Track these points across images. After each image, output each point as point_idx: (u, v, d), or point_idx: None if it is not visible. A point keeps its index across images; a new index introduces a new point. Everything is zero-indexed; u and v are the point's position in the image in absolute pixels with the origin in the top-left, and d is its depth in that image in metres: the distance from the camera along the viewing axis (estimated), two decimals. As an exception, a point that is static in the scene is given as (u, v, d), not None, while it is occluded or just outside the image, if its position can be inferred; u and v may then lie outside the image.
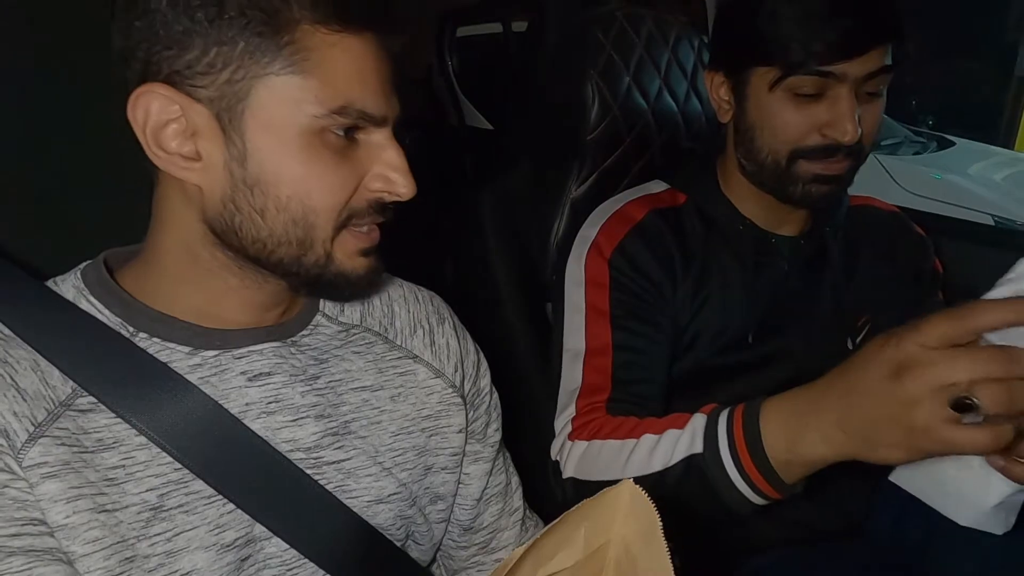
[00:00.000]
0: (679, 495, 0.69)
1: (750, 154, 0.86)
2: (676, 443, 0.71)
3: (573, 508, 0.41)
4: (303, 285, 0.58)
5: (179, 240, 0.56)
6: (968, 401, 0.48)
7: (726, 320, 0.90)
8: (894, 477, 0.68)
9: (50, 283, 0.58)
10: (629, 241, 0.89)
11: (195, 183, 0.53)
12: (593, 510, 0.42)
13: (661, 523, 0.39)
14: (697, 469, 0.68)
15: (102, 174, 0.62)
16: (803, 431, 0.60)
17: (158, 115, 0.50)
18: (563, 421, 0.86)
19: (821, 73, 0.77)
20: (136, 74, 0.51)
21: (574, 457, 0.80)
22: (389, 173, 0.55)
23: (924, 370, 0.50)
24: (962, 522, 0.65)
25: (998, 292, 0.55)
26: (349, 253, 0.56)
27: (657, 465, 0.71)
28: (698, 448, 0.68)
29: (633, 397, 0.84)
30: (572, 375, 0.87)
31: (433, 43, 2.07)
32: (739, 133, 0.87)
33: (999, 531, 0.64)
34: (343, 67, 0.51)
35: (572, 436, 0.83)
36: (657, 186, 0.97)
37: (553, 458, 0.85)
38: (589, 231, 0.92)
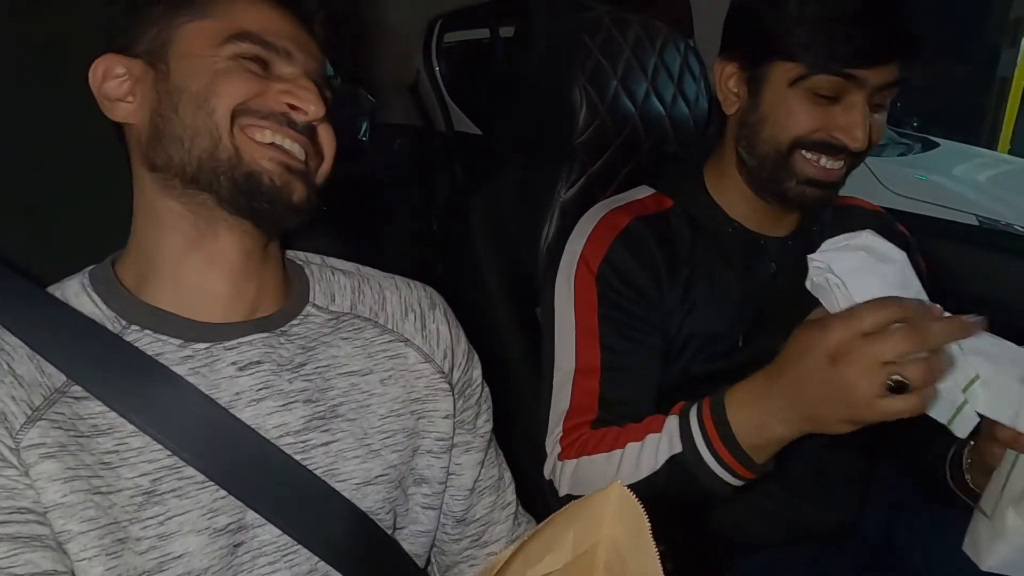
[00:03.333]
0: (667, 492, 0.75)
1: (752, 147, 0.86)
2: (657, 447, 0.76)
3: (561, 509, 0.41)
4: (226, 194, 0.59)
5: (141, 202, 0.62)
6: (901, 381, 0.58)
7: (716, 325, 0.90)
8: (988, 567, 0.68)
9: (57, 285, 0.61)
10: (614, 251, 0.88)
11: (133, 122, 0.61)
12: (581, 511, 0.42)
13: (650, 525, 0.39)
14: (680, 467, 0.74)
15: (100, 179, 0.64)
16: (765, 417, 0.69)
17: (112, 78, 0.61)
18: (552, 441, 0.87)
19: (844, 75, 0.78)
20: (102, 47, 0.62)
21: (567, 476, 0.82)
22: (295, 89, 0.61)
23: (856, 355, 0.59)
24: None
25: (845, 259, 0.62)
26: (258, 155, 0.60)
27: (645, 470, 0.76)
28: (677, 448, 0.74)
29: (618, 417, 0.85)
30: (561, 396, 0.88)
31: (420, 49, 2.07)
32: (745, 126, 0.86)
33: None
34: (243, 10, 0.61)
35: (562, 456, 0.85)
36: (643, 192, 0.97)
37: (547, 477, 0.87)
38: (576, 244, 0.91)
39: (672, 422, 0.77)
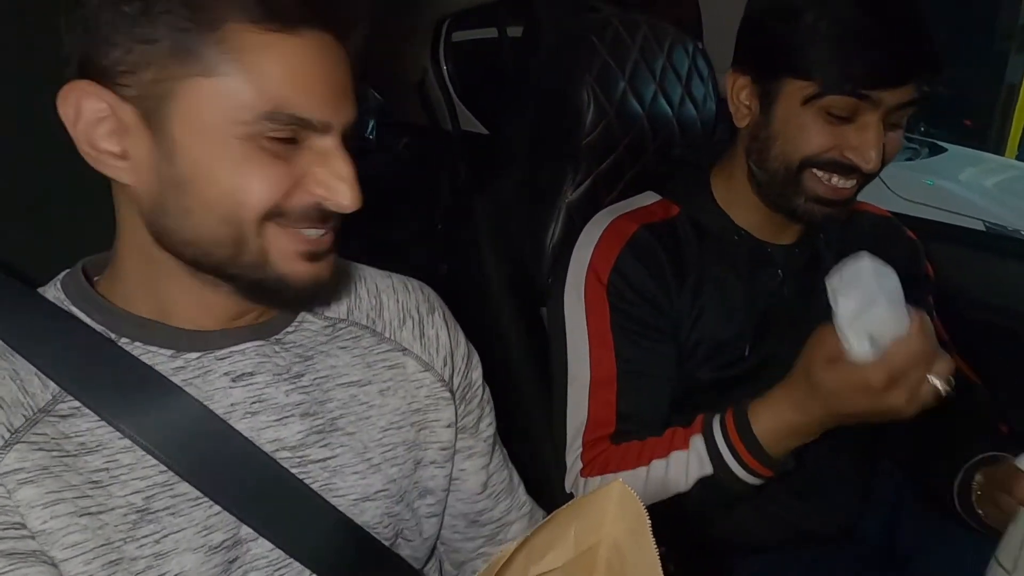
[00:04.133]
0: (696, 506, 0.81)
1: (763, 162, 0.84)
2: (686, 467, 0.80)
3: (564, 506, 0.42)
4: (246, 290, 0.55)
5: (133, 243, 0.55)
6: (948, 388, 0.67)
7: (724, 332, 0.90)
8: None
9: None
10: (623, 260, 0.88)
11: (127, 183, 0.52)
12: (583, 509, 0.42)
13: (650, 522, 0.39)
14: (713, 485, 0.79)
15: (89, 181, 0.62)
16: (795, 433, 0.75)
17: (88, 112, 0.50)
18: (573, 456, 0.88)
19: (859, 96, 0.75)
20: (72, 71, 0.50)
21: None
22: (332, 181, 0.52)
23: (904, 386, 0.67)
24: None
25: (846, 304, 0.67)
26: (286, 255, 0.53)
27: (673, 489, 0.80)
28: (708, 470, 0.78)
29: (636, 426, 0.86)
30: (578, 408, 0.88)
31: (428, 48, 2.07)
32: (756, 140, 0.85)
33: None
34: (275, 69, 0.48)
35: (584, 472, 0.86)
36: (649, 198, 0.96)
37: (568, 491, 0.88)
38: (583, 253, 0.91)
39: (698, 442, 0.79)
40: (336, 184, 0.52)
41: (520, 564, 0.41)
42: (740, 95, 0.86)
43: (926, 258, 1.03)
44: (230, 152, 0.49)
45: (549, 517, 0.42)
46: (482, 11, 2.08)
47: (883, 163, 0.80)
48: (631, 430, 0.86)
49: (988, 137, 6.12)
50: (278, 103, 0.48)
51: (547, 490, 0.94)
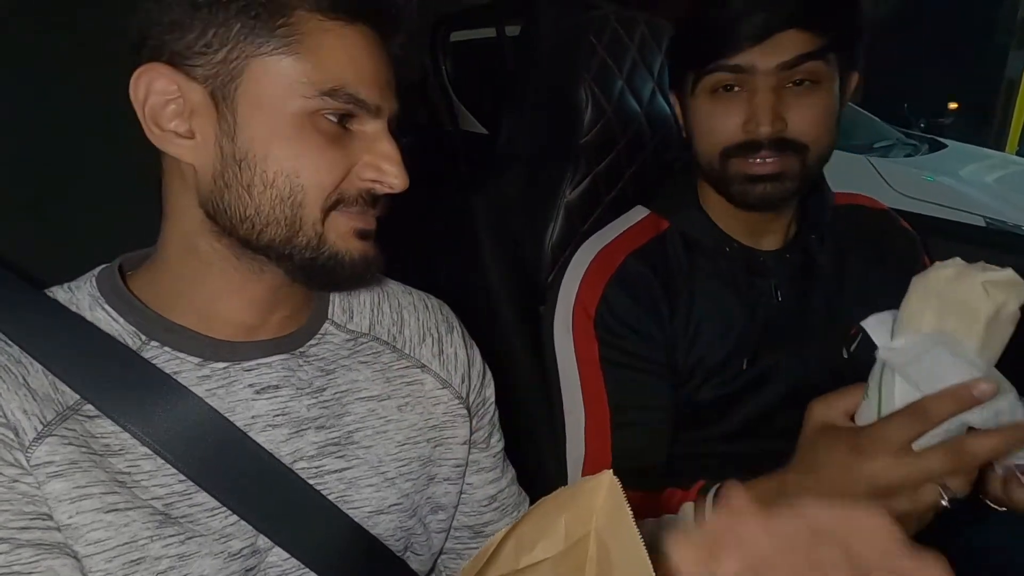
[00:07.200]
0: None
1: (696, 158, 0.88)
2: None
3: (552, 494, 0.42)
4: (298, 271, 0.57)
5: (181, 232, 0.57)
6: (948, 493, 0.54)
7: (721, 349, 0.88)
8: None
9: (63, 288, 0.58)
10: (611, 292, 0.87)
11: (189, 162, 0.54)
12: (572, 499, 0.41)
13: (632, 513, 0.39)
14: None
15: (102, 180, 0.62)
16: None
17: (158, 94, 0.52)
18: None
19: (731, 68, 0.77)
20: (143, 57, 0.53)
21: None
22: (382, 163, 0.56)
23: (903, 479, 0.53)
24: None
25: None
26: (342, 234, 0.56)
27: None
28: None
29: (633, 462, 0.86)
30: (576, 443, 0.88)
31: (427, 47, 2.07)
32: (690, 143, 0.89)
33: None
34: (336, 52, 0.53)
35: None
36: (638, 213, 0.95)
37: None
38: (570, 287, 0.90)
39: (688, 509, 0.76)
40: (385, 166, 0.56)
41: (509, 553, 0.41)
42: (678, 111, 0.90)
43: (924, 252, 1.03)
44: (287, 130, 0.52)
45: (538, 504, 0.42)
46: (480, 10, 2.07)
47: (806, 130, 0.78)
48: (629, 469, 0.85)
49: (988, 132, 6.11)
50: (338, 82, 0.52)
51: (546, 487, 0.94)
